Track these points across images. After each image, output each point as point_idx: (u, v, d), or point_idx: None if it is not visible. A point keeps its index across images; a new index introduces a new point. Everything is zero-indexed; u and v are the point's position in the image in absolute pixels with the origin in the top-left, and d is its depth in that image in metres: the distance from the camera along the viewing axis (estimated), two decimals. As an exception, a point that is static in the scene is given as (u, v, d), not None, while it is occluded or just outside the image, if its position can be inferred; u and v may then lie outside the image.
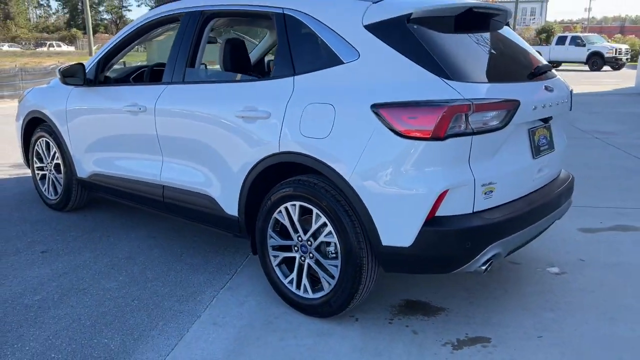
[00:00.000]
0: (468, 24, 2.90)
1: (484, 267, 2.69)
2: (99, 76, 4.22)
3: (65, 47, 60.70)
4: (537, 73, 3.00)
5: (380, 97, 2.60)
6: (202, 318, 3.05)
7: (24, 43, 67.30)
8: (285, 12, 3.09)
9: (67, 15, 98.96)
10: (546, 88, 2.95)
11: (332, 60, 2.84)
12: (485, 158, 2.63)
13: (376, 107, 2.58)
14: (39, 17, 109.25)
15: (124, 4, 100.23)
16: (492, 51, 3.01)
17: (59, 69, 4.19)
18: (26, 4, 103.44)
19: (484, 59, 2.91)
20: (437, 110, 2.46)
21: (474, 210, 2.62)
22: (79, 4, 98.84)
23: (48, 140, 4.73)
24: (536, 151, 2.95)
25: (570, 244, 4.07)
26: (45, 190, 4.97)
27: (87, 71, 4.19)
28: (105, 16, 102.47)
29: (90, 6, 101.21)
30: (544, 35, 44.95)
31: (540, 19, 60.27)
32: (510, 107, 2.64)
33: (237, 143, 3.15)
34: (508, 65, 3.04)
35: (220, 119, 3.23)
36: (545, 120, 3.04)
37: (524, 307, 3.13)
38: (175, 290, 3.38)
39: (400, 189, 2.56)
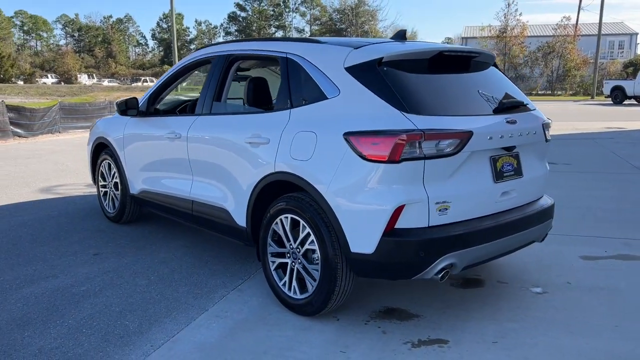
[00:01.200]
0: (441, 64, 3.36)
1: (439, 276, 3.08)
2: (149, 108, 5.00)
3: (157, 82, 65.31)
4: (502, 108, 3.38)
5: (351, 126, 3.10)
6: (209, 311, 3.60)
7: (122, 79, 73.23)
8: (287, 56, 3.69)
9: (162, 53, 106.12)
10: (508, 121, 3.32)
11: (319, 96, 3.38)
12: (439, 179, 3.04)
13: (347, 135, 3.08)
14: (137, 54, 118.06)
15: (214, 43, 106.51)
16: (459, 88, 3.44)
17: (116, 102, 5.01)
18: (126, 43, 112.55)
19: (448, 95, 3.34)
20: (393, 138, 2.92)
21: (430, 225, 3.03)
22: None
23: (110, 162, 5.57)
24: (498, 176, 3.31)
25: (564, 269, 4.29)
26: (106, 205, 5.81)
27: (140, 104, 4.98)
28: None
29: (183, 44, 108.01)
30: (631, 69, 43.13)
31: (629, 52, 57.83)
32: (462, 137, 3.05)
33: (245, 164, 3.75)
34: (472, 100, 3.44)
35: (234, 144, 3.85)
36: (509, 149, 3.39)
37: (492, 318, 3.44)
38: (194, 289, 3.97)
39: (364, 204, 3.03)
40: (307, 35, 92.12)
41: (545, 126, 3.69)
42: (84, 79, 68.55)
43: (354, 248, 3.09)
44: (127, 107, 4.91)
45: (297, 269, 3.47)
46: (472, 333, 3.25)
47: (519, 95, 3.74)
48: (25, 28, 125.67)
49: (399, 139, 2.91)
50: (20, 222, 5.80)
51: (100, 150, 5.80)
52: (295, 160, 3.35)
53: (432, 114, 3.06)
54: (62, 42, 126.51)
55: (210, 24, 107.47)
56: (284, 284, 3.58)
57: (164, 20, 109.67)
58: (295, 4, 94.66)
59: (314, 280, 3.36)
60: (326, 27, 72.71)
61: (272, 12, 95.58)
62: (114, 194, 5.65)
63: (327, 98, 3.34)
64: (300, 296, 3.47)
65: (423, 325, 3.35)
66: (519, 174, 3.47)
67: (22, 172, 9.18)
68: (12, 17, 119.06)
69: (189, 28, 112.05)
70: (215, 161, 4.07)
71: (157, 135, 4.76)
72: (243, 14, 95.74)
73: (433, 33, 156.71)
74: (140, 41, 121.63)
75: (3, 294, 3.89)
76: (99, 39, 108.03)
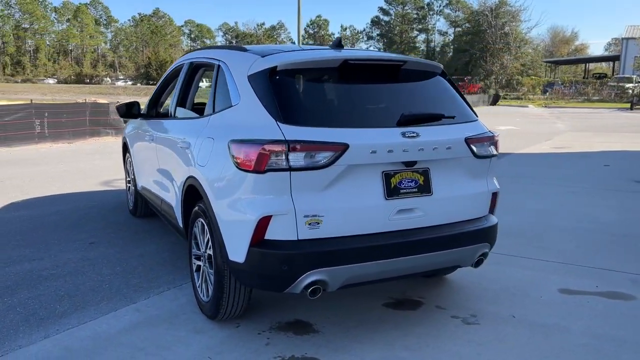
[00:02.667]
0: (350, 73, 3.24)
1: (307, 292, 2.97)
2: (149, 111, 5.37)
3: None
4: (406, 121, 3.15)
5: (236, 134, 3.12)
6: (134, 305, 3.82)
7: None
8: (219, 63, 3.79)
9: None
10: (406, 135, 3.09)
11: (228, 102, 3.44)
12: (309, 192, 2.94)
13: (229, 143, 3.11)
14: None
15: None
16: (359, 99, 3.27)
17: (117, 106, 5.46)
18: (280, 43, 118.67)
19: (339, 106, 3.21)
20: (257, 148, 2.89)
21: (299, 238, 2.94)
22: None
23: (129, 159, 6.09)
24: (392, 192, 3.10)
25: (526, 301, 3.86)
26: (129, 199, 6.34)
27: (142, 107, 5.38)
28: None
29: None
30: None
31: None
32: (335, 150, 2.91)
33: (178, 165, 3.92)
34: (369, 113, 3.25)
35: (174, 146, 4.05)
36: (409, 164, 3.15)
37: (390, 344, 3.23)
38: (141, 283, 4.23)
39: (236, 213, 3.03)
40: (450, 38, 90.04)
41: (473, 141, 3.36)
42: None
43: (231, 256, 3.10)
44: (126, 110, 5.32)
45: (207, 272, 3.55)
46: (354, 356, 3.09)
47: (454, 107, 3.46)
48: (192, 36, 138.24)
49: (262, 148, 2.88)
50: (54, 211, 6.55)
51: (125, 148, 6.35)
52: (199, 165, 3.45)
53: (310, 125, 2.97)
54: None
55: (355, 29, 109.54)
56: (199, 286, 3.68)
57: (311, 27, 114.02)
58: (439, 6, 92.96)
59: (212, 284, 3.42)
60: (467, 30, 70.42)
61: (415, 16, 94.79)
62: (132, 189, 6.16)
63: (232, 105, 3.38)
64: (206, 299, 3.55)
65: (312, 342, 3.26)
66: (426, 191, 3.21)
67: (102, 165, 10.27)
68: (182, 26, 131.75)
69: (334, 34, 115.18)
70: (167, 162, 4.33)
71: (146, 136, 5.11)
72: (386, 18, 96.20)
73: (595, 33, 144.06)
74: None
75: (-11, 270, 4.47)
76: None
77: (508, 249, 4.95)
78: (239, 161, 3.00)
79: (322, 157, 2.91)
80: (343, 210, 2.99)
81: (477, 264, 3.52)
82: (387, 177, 3.10)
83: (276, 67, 3.16)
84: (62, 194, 7.55)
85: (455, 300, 3.85)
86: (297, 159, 2.89)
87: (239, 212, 3.00)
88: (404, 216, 3.15)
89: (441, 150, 3.21)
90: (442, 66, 3.66)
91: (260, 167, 2.88)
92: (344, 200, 3.00)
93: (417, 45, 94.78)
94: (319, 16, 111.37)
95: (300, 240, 2.94)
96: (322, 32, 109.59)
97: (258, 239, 2.95)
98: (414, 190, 3.18)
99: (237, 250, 3.04)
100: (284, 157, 2.87)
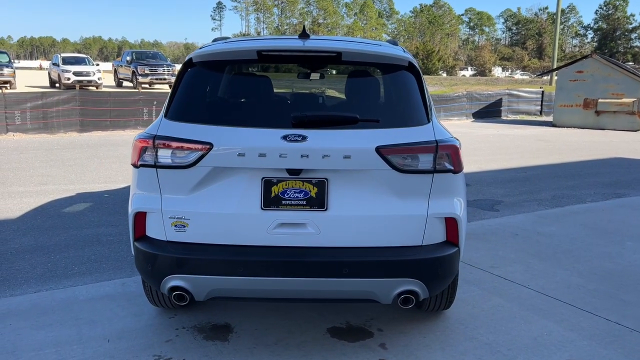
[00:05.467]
0: (263, 66, 2.97)
1: (172, 296, 2.86)
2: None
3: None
4: (297, 123, 2.72)
5: (150, 128, 3.15)
6: (45, 292, 3.88)
7: (533, 71, 71.94)
8: None
9: (595, 44, 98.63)
10: (287, 138, 2.66)
11: None
12: (176, 192, 2.79)
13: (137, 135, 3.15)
14: (573, 46, 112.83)
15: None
16: (256, 95, 2.93)
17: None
18: (563, 34, 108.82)
19: (226, 101, 2.93)
20: (136, 142, 2.88)
21: (167, 239, 2.84)
22: (613, 31, 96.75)
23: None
24: (270, 202, 2.72)
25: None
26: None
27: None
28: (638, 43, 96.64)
29: (622, 33, 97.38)
30: None
31: None
32: (198, 148, 2.70)
33: None
34: (261, 110, 2.85)
35: None
36: (294, 172, 2.70)
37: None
38: (83, 271, 4.36)
39: (129, 206, 3.07)
40: None
41: (390, 151, 2.70)
42: (497, 71, 70.54)
43: (132, 248, 3.17)
44: None
45: None
46: (220, 374, 2.85)
47: (397, 108, 2.87)
48: (471, 24, 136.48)
49: (136, 142, 2.86)
50: (103, 199, 6.70)
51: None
52: None
53: (189, 121, 2.82)
54: (502, 35, 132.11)
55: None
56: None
57: (604, 8, 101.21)
58: None
59: None
60: None
61: None
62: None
63: None
64: None
65: (214, 349, 3.10)
66: (318, 206, 2.72)
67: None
68: (461, 14, 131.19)
69: (633, 15, 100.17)
70: None
71: None
72: None
73: None
74: (580, 32, 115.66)
75: None
76: (533, 32, 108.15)
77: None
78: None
79: (186, 156, 2.74)
80: (211, 215, 2.76)
81: (405, 302, 2.84)
82: (267, 184, 2.74)
83: (191, 59, 3.05)
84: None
85: (419, 332, 3.18)
86: (163, 156, 2.77)
87: (129, 205, 3.03)
88: (289, 231, 2.74)
89: (336, 160, 2.68)
90: (408, 58, 3.01)
91: (136, 161, 2.86)
92: (213, 205, 2.76)
93: None
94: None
95: (168, 242, 2.83)
96: (618, 14, 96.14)
97: (140, 234, 2.93)
98: (302, 203, 2.73)
99: (131, 243, 3.07)
100: (153, 153, 2.79)
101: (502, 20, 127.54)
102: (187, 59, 3.06)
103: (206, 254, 2.76)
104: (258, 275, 2.72)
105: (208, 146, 2.69)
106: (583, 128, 17.27)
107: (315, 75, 4.40)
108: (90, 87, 23.51)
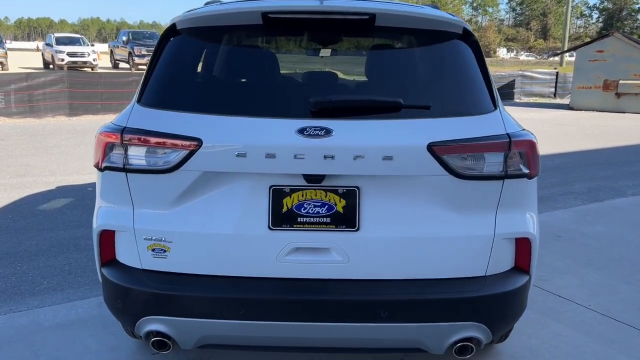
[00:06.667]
0: (271, 32, 2.22)
1: (150, 343, 2.14)
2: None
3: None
4: (318, 110, 1.97)
5: (117, 118, 2.39)
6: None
7: (538, 52, 70.57)
8: None
9: (601, 24, 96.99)
10: (304, 131, 1.92)
11: None
12: (154, 205, 2.06)
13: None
14: (578, 27, 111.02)
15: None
16: (262, 72, 2.18)
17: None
18: (568, 15, 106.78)
19: (222, 82, 2.19)
20: (98, 137, 2.14)
21: (143, 267, 2.12)
22: (619, 12, 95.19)
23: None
24: (281, 220, 1.99)
25: None
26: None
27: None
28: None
29: (629, 14, 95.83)
30: None
31: None
32: (183, 146, 1.96)
33: None
34: (269, 94, 2.11)
35: None
36: (316, 180, 1.97)
37: None
38: (52, 297, 3.59)
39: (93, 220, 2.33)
40: None
41: (448, 149, 1.96)
42: (502, 52, 69.25)
43: (99, 276, 2.44)
44: None
45: None
46: None
47: (452, 90, 2.14)
48: (474, 4, 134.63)
49: (99, 137, 2.12)
50: (86, 193, 5.91)
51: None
52: None
53: (167, 108, 2.08)
54: (505, 16, 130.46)
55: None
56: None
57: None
58: None
59: None
60: None
61: None
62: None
63: None
64: None
65: None
66: (347, 224, 1.99)
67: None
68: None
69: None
70: None
71: None
72: None
73: None
74: (585, 12, 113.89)
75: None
76: (538, 12, 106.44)
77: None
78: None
79: (165, 156, 2.00)
80: (200, 237, 2.03)
81: (462, 352, 2.12)
82: (276, 195, 2.00)
83: (175, 25, 2.29)
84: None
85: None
86: (135, 156, 2.04)
87: (93, 220, 2.28)
88: (306, 258, 2.02)
89: (373, 162, 1.94)
90: (462, 23, 2.25)
91: (99, 162, 2.12)
92: (203, 223, 2.03)
93: None
94: None
95: (144, 271, 2.11)
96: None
97: (108, 257, 2.21)
98: (325, 220, 2.00)
99: (97, 269, 2.34)
100: (121, 152, 2.05)
101: (505, 0, 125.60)
102: (169, 24, 2.30)
103: (195, 288, 2.04)
104: (264, 319, 2.00)
105: (195, 143, 1.95)
106: (602, 111, 16.42)
107: (325, 52, 3.62)
108: (85, 69, 22.64)
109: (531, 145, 2.06)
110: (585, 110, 16.68)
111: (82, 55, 23.38)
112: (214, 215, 2.02)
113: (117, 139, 2.04)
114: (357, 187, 1.99)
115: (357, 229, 1.99)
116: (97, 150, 2.12)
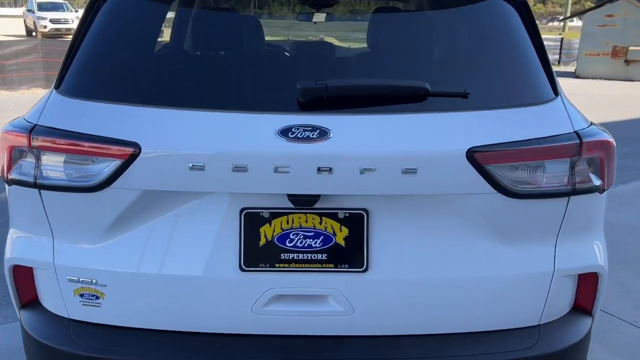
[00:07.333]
0: None
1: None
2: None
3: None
4: (311, 100, 1.37)
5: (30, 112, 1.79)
6: None
7: (537, 17, 68.71)
8: None
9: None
10: (288, 133, 1.32)
11: None
12: (79, 235, 1.48)
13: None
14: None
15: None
16: (211, 49, 1.61)
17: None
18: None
19: (165, 61, 1.60)
20: (1, 136, 1.53)
21: (70, 317, 1.55)
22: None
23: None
24: (257, 257, 1.41)
25: None
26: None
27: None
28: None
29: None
30: None
31: None
32: (112, 154, 1.36)
33: None
34: (219, 76, 1.50)
35: None
36: (306, 201, 1.38)
37: None
38: None
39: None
40: None
41: (496, 156, 1.37)
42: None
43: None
44: None
45: None
46: None
47: (497, 71, 1.54)
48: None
49: (3, 135, 1.51)
50: None
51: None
52: None
53: (94, 98, 1.47)
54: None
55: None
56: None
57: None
58: None
59: None
60: None
61: None
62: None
63: None
64: None
65: None
66: (353, 263, 1.41)
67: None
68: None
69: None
70: None
71: None
72: None
73: None
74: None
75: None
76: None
77: None
78: None
79: (90, 167, 1.40)
80: (145, 280, 1.46)
81: None
82: (250, 222, 1.41)
83: None
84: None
85: None
86: (50, 165, 1.44)
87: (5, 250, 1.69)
88: (293, 309, 1.45)
89: (387, 176, 1.35)
90: None
91: (5, 172, 1.51)
92: (148, 261, 1.45)
93: None
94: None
95: (71, 322, 1.54)
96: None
97: (28, 298, 1.64)
98: (320, 257, 1.42)
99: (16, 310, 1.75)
100: (32, 161, 1.45)
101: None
102: None
103: (139, 350, 1.47)
104: None
105: (130, 149, 1.35)
106: (611, 79, 15.72)
107: (319, 17, 2.98)
108: (69, 36, 21.66)
109: (607, 147, 1.48)
110: (592, 78, 15.98)
111: (65, 21, 22.31)
112: (162, 251, 1.44)
113: (25, 142, 1.43)
114: (364, 211, 1.41)
115: (365, 269, 1.41)
116: (1, 156, 1.51)
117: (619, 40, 15.57)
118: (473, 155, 1.35)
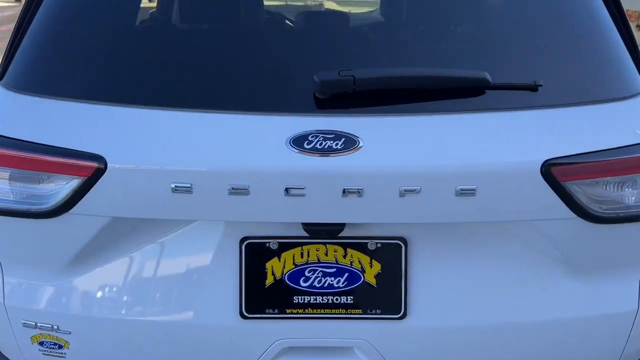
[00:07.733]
0: None
1: None
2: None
3: None
4: (331, 97, 1.03)
5: None
6: None
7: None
8: None
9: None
10: (304, 142, 0.99)
11: None
12: (35, 270, 1.17)
13: None
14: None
15: None
16: (199, 31, 1.30)
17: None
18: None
19: (141, 45, 1.26)
20: None
21: (28, 370, 1.24)
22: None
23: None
24: (262, 300, 1.11)
25: None
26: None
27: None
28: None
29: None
30: None
31: None
32: (70, 169, 1.03)
33: None
34: (211, 66, 1.16)
35: None
36: (326, 231, 1.06)
37: None
38: None
39: None
40: None
41: (572, 172, 1.03)
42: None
43: None
44: None
45: None
46: None
47: (576, 62, 1.20)
48: None
49: None
50: None
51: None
52: None
53: (48, 94, 1.13)
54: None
55: None
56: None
57: None
58: None
59: None
60: None
61: None
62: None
63: None
64: None
65: None
66: (388, 307, 1.11)
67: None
68: None
69: None
70: None
71: None
72: None
73: None
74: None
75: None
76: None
77: None
78: None
79: (44, 187, 1.07)
80: (119, 328, 1.16)
81: None
82: (253, 255, 1.10)
83: None
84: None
85: None
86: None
87: None
88: None
89: (436, 199, 1.02)
90: None
91: None
92: (123, 304, 1.14)
93: None
94: None
95: None
96: None
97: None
98: (344, 300, 1.11)
99: None
100: None
101: None
102: None
103: None
104: None
105: (93, 165, 1.02)
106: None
107: None
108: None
109: None
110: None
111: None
112: (142, 291, 1.12)
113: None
114: (402, 240, 1.08)
115: (403, 315, 1.10)
116: None
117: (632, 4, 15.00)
118: (550, 170, 1.01)
